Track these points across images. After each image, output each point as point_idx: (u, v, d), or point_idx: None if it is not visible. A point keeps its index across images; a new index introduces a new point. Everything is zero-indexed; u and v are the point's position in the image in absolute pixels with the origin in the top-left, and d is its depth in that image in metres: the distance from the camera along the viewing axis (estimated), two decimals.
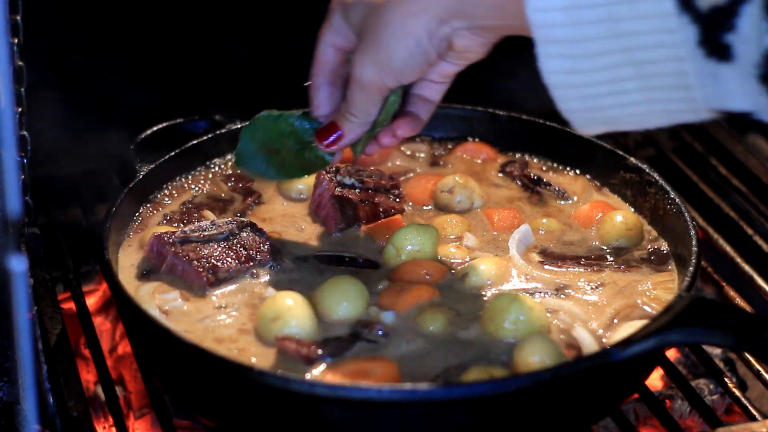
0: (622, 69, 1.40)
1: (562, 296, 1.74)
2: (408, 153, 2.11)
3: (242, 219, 1.83)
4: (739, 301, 1.94)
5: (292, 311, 1.63)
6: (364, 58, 1.62)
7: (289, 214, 1.93)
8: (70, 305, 1.97)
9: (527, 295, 1.70)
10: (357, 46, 1.65)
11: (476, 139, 2.12)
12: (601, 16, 1.38)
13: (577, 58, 1.41)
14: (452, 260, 1.81)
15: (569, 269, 1.80)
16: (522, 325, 1.63)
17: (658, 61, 1.38)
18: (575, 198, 1.99)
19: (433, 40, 1.58)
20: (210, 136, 2.04)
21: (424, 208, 1.96)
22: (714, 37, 1.33)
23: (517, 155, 2.10)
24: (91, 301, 2.17)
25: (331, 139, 1.72)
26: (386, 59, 1.60)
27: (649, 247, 1.86)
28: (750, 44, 1.31)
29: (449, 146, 2.13)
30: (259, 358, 1.61)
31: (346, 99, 1.69)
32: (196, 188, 1.99)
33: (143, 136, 2.03)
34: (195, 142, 2.02)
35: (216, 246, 1.76)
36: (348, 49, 1.68)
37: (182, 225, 1.86)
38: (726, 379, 1.78)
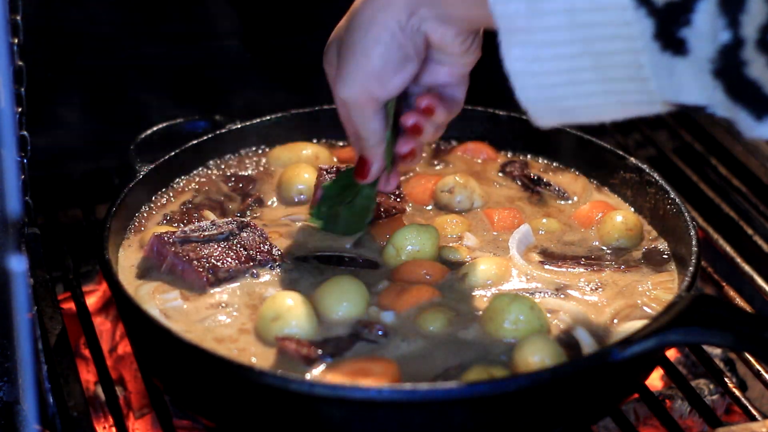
0: (581, 59, 1.42)
1: (562, 296, 1.74)
2: None
3: (242, 219, 1.83)
4: (739, 301, 1.94)
5: (291, 311, 1.63)
6: (342, 74, 1.62)
7: (289, 214, 1.93)
8: (70, 305, 1.97)
9: (527, 295, 1.70)
10: (334, 74, 1.65)
11: (476, 139, 2.12)
12: (561, 7, 1.39)
13: (538, 46, 1.42)
14: (452, 260, 1.81)
15: (569, 269, 1.80)
16: (522, 325, 1.63)
17: (615, 52, 1.39)
18: (575, 198, 1.99)
19: (405, 32, 1.58)
20: (210, 136, 2.04)
21: (425, 208, 1.96)
22: (669, 31, 1.34)
23: (517, 155, 2.10)
24: (91, 301, 2.17)
25: (364, 172, 1.74)
26: (365, 62, 1.60)
27: (650, 247, 1.86)
28: (704, 40, 1.33)
29: (449, 146, 2.13)
30: (259, 358, 1.60)
31: (351, 128, 1.69)
32: (196, 188, 1.99)
33: (143, 136, 2.03)
34: (195, 142, 2.02)
35: (216, 246, 1.76)
36: None
37: (182, 225, 1.86)
38: (726, 379, 1.78)
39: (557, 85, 1.45)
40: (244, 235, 1.79)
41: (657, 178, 1.90)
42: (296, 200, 1.97)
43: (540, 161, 2.08)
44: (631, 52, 1.38)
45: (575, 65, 1.42)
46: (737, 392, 1.76)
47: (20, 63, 1.85)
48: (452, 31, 1.59)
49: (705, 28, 1.32)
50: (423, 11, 1.57)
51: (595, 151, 2.02)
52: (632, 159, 1.96)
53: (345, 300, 1.67)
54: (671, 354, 2.04)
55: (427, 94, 1.69)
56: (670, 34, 1.34)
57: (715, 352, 2.11)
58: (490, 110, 2.12)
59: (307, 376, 1.56)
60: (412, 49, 1.60)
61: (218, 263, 1.74)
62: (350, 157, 2.05)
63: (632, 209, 1.95)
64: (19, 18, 1.82)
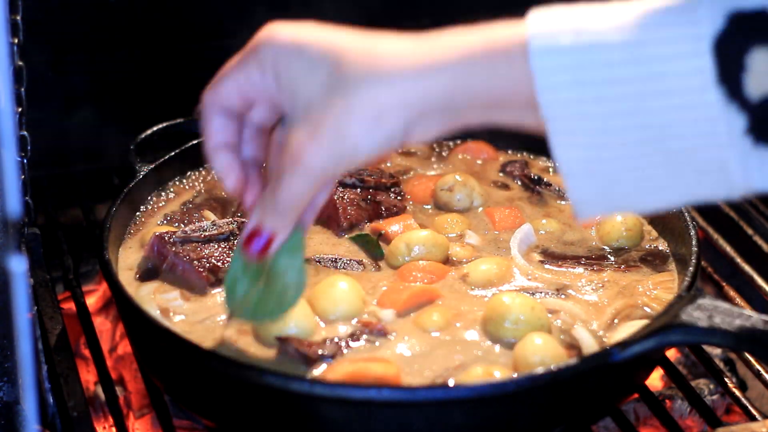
0: (650, 157, 1.29)
1: (562, 296, 1.74)
2: (408, 153, 2.11)
3: (243, 219, 1.83)
4: (739, 301, 1.94)
5: (290, 312, 1.63)
6: (320, 145, 1.36)
7: None
8: (70, 305, 1.97)
9: (528, 294, 1.70)
10: (303, 127, 1.37)
11: (476, 139, 2.12)
12: (629, 109, 1.27)
13: (600, 148, 1.29)
14: (455, 259, 1.81)
15: (570, 269, 1.80)
16: (522, 324, 1.63)
17: (692, 149, 1.28)
18: None
19: (407, 135, 1.36)
20: None
21: (425, 207, 1.96)
22: (766, 125, 1.26)
23: (518, 155, 2.10)
24: (91, 301, 2.17)
25: (262, 242, 1.46)
26: (350, 151, 1.36)
27: (650, 246, 1.86)
28: None
29: (449, 146, 2.13)
30: (259, 358, 1.60)
31: (277, 187, 1.41)
32: (197, 188, 1.99)
33: (143, 136, 2.03)
34: (195, 142, 2.02)
35: (217, 246, 1.76)
36: (253, 101, 1.44)
37: (182, 225, 1.86)
38: (726, 379, 1.78)
39: (618, 182, 1.32)
40: None
41: None
42: None
43: (540, 161, 2.08)
44: (713, 147, 1.27)
45: (643, 163, 1.30)
46: (737, 392, 1.75)
47: (20, 63, 1.85)
48: (445, 130, 1.39)
49: None
50: (437, 116, 1.36)
51: None
52: None
53: (341, 299, 1.67)
54: (671, 354, 2.04)
55: None
56: (766, 129, 1.26)
57: (715, 352, 2.10)
58: None
59: (307, 377, 1.56)
60: (400, 145, 1.38)
61: (219, 263, 1.74)
62: None
63: None
64: (19, 18, 1.82)
